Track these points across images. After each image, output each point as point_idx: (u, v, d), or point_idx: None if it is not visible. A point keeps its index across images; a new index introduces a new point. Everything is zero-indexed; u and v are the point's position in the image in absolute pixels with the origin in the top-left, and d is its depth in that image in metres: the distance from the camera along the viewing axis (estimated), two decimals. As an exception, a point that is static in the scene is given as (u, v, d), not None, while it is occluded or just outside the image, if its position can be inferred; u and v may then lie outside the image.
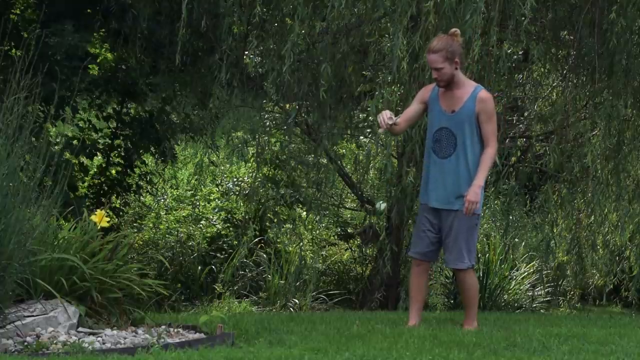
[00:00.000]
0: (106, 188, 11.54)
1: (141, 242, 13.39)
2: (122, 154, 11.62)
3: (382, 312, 8.40)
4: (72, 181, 10.46)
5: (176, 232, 13.91)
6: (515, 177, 10.56)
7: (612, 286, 13.03)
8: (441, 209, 6.15)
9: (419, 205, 6.43)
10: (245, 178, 14.84)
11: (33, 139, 5.14)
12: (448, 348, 4.95)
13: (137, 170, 11.81)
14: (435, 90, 6.22)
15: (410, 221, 9.51)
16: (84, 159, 11.43)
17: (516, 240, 13.09)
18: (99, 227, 5.56)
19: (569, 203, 10.67)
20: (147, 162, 12.07)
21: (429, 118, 6.27)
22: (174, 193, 14.93)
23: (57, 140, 11.09)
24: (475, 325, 6.25)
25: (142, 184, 12.04)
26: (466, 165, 6.07)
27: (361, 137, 12.30)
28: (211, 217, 14.35)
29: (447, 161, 6.11)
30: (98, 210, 5.64)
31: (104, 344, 4.90)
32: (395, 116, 6.07)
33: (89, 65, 10.44)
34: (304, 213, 13.25)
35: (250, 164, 14.17)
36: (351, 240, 15.03)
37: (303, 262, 13.05)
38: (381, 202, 6.29)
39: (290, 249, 13.08)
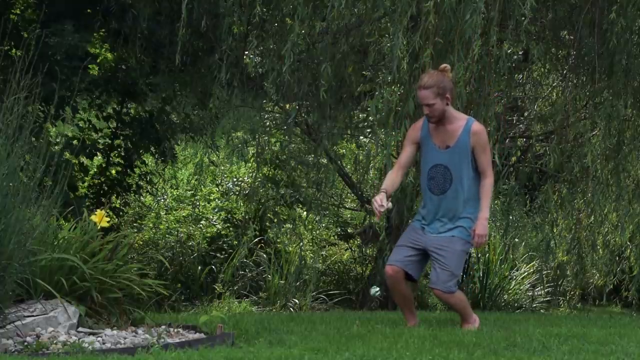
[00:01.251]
0: (106, 188, 11.54)
1: (141, 242, 13.39)
2: (122, 154, 11.62)
3: (382, 312, 8.40)
4: (72, 181, 10.46)
5: (176, 232, 13.91)
6: (515, 177, 10.57)
7: (612, 286, 13.03)
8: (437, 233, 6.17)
9: (410, 225, 6.40)
10: (245, 178, 14.84)
11: (33, 139, 5.14)
12: (448, 348, 4.95)
13: (137, 170, 11.81)
14: (425, 127, 6.20)
15: (410, 221, 9.50)
16: (84, 159, 11.43)
17: (516, 240, 13.10)
18: (99, 227, 5.56)
19: (569, 203, 10.67)
20: (147, 162, 12.07)
21: (423, 155, 6.30)
22: (174, 193, 14.93)
23: (57, 140, 11.09)
24: (475, 320, 6.24)
25: (142, 184, 12.04)
26: (463, 198, 6.11)
27: (361, 137, 12.30)
28: (211, 217, 14.34)
29: (444, 197, 6.13)
30: (98, 210, 5.64)
31: (104, 344, 4.90)
32: (387, 199, 6.00)
33: (89, 65, 10.44)
34: (304, 213, 13.25)
35: (250, 164, 14.17)
36: (351, 240, 15.03)
37: (303, 262, 13.05)
38: (376, 288, 6.33)
39: (290, 249, 13.08)
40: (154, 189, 12.89)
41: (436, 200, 6.15)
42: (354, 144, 12.86)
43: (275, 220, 13.61)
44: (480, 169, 6.11)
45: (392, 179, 6.18)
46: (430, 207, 6.18)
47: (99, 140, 11.57)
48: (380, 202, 5.94)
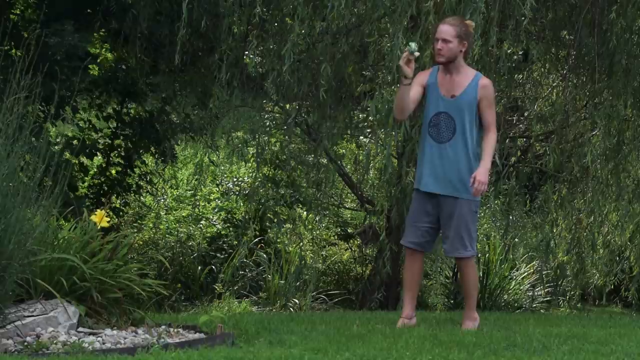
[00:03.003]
0: (106, 188, 11.54)
1: (141, 242, 13.40)
2: (122, 154, 11.62)
3: (382, 312, 8.39)
4: (72, 181, 10.46)
5: (176, 232, 13.91)
6: (516, 177, 10.57)
7: (612, 286, 13.03)
8: (439, 194, 6.06)
9: (414, 193, 6.31)
10: (245, 178, 14.85)
11: (33, 139, 5.13)
12: (448, 348, 4.95)
13: (137, 170, 11.81)
14: (433, 74, 6.13)
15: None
16: (84, 159, 11.43)
17: (516, 240, 13.10)
18: (99, 227, 5.55)
19: (569, 203, 10.68)
20: (147, 162, 12.07)
21: (427, 102, 6.17)
22: (174, 193, 14.94)
23: (57, 140, 11.09)
24: (476, 318, 6.24)
25: (142, 184, 12.04)
26: (466, 151, 6.01)
27: (361, 137, 12.31)
28: (211, 217, 14.36)
29: (446, 145, 6.03)
30: (98, 210, 5.63)
31: (104, 344, 4.90)
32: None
33: (89, 65, 10.44)
34: (304, 213, 13.26)
35: (250, 164, 14.18)
36: (351, 240, 15.04)
37: (303, 262, 13.06)
38: (414, 45, 6.02)
39: (290, 249, 13.09)
40: (154, 189, 12.89)
41: (436, 149, 6.05)
42: (354, 144, 12.87)
43: (275, 220, 13.61)
44: (485, 124, 6.04)
45: (410, 94, 6.05)
46: (431, 157, 6.07)
47: (99, 140, 11.57)
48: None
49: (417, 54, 5.91)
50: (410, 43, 5.97)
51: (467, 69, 6.13)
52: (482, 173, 5.91)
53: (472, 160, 6.02)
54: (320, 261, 14.08)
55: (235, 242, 13.45)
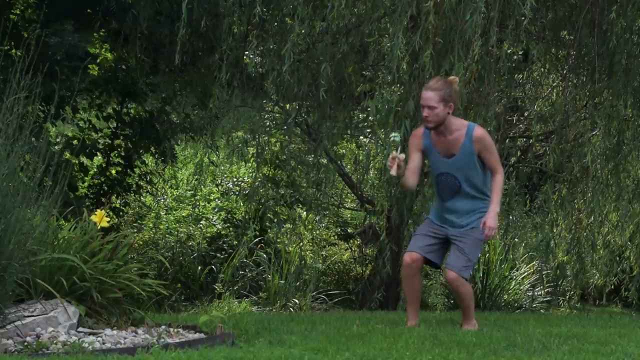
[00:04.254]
0: (106, 188, 11.54)
1: (141, 242, 13.40)
2: (122, 154, 11.62)
3: (382, 312, 8.40)
4: (72, 181, 10.46)
5: (176, 232, 13.91)
6: (516, 177, 10.57)
7: (612, 286, 13.03)
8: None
9: (427, 219, 6.44)
10: (245, 178, 14.85)
11: (33, 139, 5.13)
12: (448, 348, 4.95)
13: (137, 170, 11.81)
14: (427, 136, 6.18)
15: (410, 221, 9.50)
16: (84, 159, 11.42)
17: (516, 240, 13.09)
18: (99, 227, 5.55)
19: (569, 203, 10.68)
20: (147, 162, 12.07)
21: (430, 163, 6.33)
22: (174, 193, 14.94)
23: (57, 140, 11.09)
24: (475, 324, 6.26)
25: (142, 184, 12.04)
26: (473, 197, 6.15)
27: (361, 137, 12.31)
28: (211, 217, 14.35)
29: (455, 200, 6.17)
30: (98, 210, 5.63)
31: (104, 344, 4.90)
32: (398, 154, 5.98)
33: (89, 65, 10.44)
34: (304, 213, 13.26)
35: (250, 164, 14.17)
36: (351, 240, 15.03)
37: (303, 262, 13.05)
38: (396, 133, 6.10)
39: (290, 249, 13.08)
40: (154, 189, 12.89)
41: (448, 204, 6.19)
42: (354, 144, 12.87)
43: (275, 220, 13.61)
44: (490, 168, 6.13)
45: (409, 174, 6.14)
46: (443, 209, 6.23)
47: (99, 140, 11.57)
48: (393, 155, 5.94)
49: (402, 156, 5.98)
50: (392, 133, 6.08)
51: (458, 125, 6.13)
52: (491, 218, 6.03)
53: (479, 201, 6.17)
54: (320, 261, 14.08)
55: (235, 242, 13.45)
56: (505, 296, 13.01)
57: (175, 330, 5.41)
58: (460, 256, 6.09)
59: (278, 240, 13.43)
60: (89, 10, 10.33)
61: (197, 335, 5.33)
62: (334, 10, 8.20)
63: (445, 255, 6.31)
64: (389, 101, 8.23)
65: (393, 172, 5.97)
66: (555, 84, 11.44)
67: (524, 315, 9.18)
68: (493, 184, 6.12)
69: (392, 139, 6.08)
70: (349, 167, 13.03)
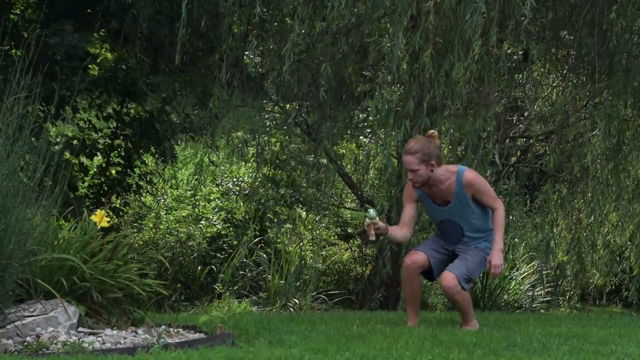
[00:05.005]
0: (106, 188, 11.54)
1: (141, 242, 13.40)
2: (122, 154, 11.62)
3: (382, 312, 8.40)
4: (72, 181, 10.46)
5: (176, 232, 13.91)
6: (516, 177, 10.57)
7: (612, 286, 13.03)
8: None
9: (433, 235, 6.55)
10: (245, 178, 14.85)
11: (33, 139, 5.13)
12: (448, 348, 4.95)
13: (137, 170, 11.81)
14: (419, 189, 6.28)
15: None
16: (84, 159, 11.42)
17: (516, 240, 13.09)
18: (99, 227, 5.55)
19: (569, 203, 10.68)
20: (147, 162, 12.07)
21: (426, 211, 6.44)
22: (174, 193, 14.94)
23: (57, 140, 11.09)
24: (475, 324, 6.26)
25: (142, 184, 12.04)
26: (478, 234, 6.22)
27: (361, 137, 12.30)
28: (211, 217, 14.35)
29: (459, 243, 6.26)
30: (98, 210, 5.63)
31: (104, 344, 4.90)
32: (378, 229, 6.07)
33: (89, 65, 10.44)
34: (304, 213, 13.25)
35: (250, 164, 14.17)
36: (351, 240, 15.03)
37: (303, 262, 13.05)
38: (372, 211, 6.25)
39: (290, 249, 13.08)
40: (154, 189, 12.89)
41: (453, 246, 6.30)
42: (354, 144, 12.86)
43: (275, 220, 13.60)
44: (488, 206, 6.18)
45: (396, 228, 6.27)
46: (450, 246, 6.33)
47: (99, 140, 11.57)
48: (371, 229, 6.06)
49: (377, 219, 6.07)
50: (369, 210, 6.18)
51: (447, 174, 6.16)
52: (496, 257, 6.09)
53: (483, 232, 6.24)
54: (320, 261, 14.08)
55: (235, 242, 13.44)
56: (505, 296, 13.01)
57: (175, 330, 5.41)
58: (463, 265, 6.12)
59: (278, 240, 13.43)
60: (89, 10, 10.32)
61: (197, 335, 5.33)
62: (334, 10, 8.21)
63: (444, 268, 6.32)
64: (389, 101, 8.23)
65: (372, 237, 6.09)
66: (555, 84, 11.44)
67: (524, 315, 9.18)
68: (494, 220, 6.17)
69: (366, 214, 6.22)
70: (349, 167, 13.03)
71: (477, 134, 8.20)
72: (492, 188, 6.32)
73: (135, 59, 10.92)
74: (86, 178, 11.68)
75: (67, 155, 10.68)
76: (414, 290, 6.29)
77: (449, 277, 6.07)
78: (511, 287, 13.15)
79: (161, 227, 14.05)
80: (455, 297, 6.15)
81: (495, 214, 6.16)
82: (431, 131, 6.33)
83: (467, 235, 6.22)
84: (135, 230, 13.31)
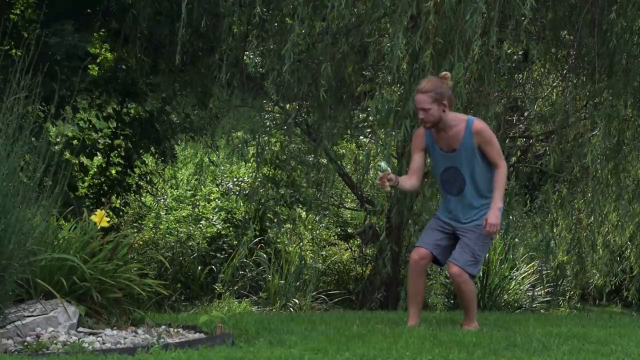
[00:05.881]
0: (106, 188, 11.55)
1: (141, 242, 13.40)
2: (122, 154, 11.62)
3: (382, 312, 8.39)
4: (72, 181, 10.46)
5: (176, 232, 13.91)
6: (516, 177, 10.57)
7: (612, 286, 13.03)
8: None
9: (434, 216, 6.44)
10: (245, 178, 14.85)
11: (33, 139, 5.13)
12: (448, 348, 4.95)
13: (137, 170, 11.81)
14: (428, 135, 6.23)
15: (410, 221, 9.51)
16: (84, 159, 11.43)
17: (516, 240, 13.09)
18: (99, 227, 5.55)
19: (569, 203, 10.67)
20: (147, 162, 12.07)
21: (432, 161, 6.33)
22: (174, 193, 14.94)
23: (57, 140, 11.09)
24: (476, 325, 6.26)
25: (142, 184, 12.04)
26: (479, 192, 6.15)
27: (361, 137, 12.30)
28: (211, 217, 14.35)
29: (461, 196, 6.17)
30: (98, 210, 5.63)
31: (104, 344, 4.90)
32: (392, 180, 6.06)
33: (89, 65, 10.44)
34: (304, 213, 13.25)
35: (250, 164, 14.17)
36: (351, 240, 15.03)
37: (303, 262, 13.05)
38: (384, 163, 6.20)
39: (290, 249, 13.08)
40: (154, 189, 12.89)
41: (457, 199, 6.19)
42: (354, 144, 12.86)
43: (275, 220, 13.61)
44: (491, 162, 6.12)
45: (405, 178, 6.23)
46: (451, 206, 6.23)
47: (99, 140, 11.58)
48: (382, 176, 6.00)
49: (388, 170, 6.06)
50: (380, 163, 6.13)
51: (457, 120, 6.15)
52: (493, 215, 6.04)
53: (486, 196, 6.15)
54: (320, 261, 14.08)
55: (235, 242, 13.45)
56: (505, 296, 13.01)
57: (175, 330, 5.41)
58: (465, 251, 6.08)
59: (278, 240, 13.43)
60: (89, 10, 10.33)
61: (197, 335, 5.33)
62: (334, 10, 8.21)
63: (451, 252, 6.27)
64: (389, 101, 8.23)
65: (387, 188, 6.07)
66: (555, 84, 11.44)
67: (524, 315, 9.18)
68: (495, 177, 6.11)
69: (378, 167, 6.17)
70: (349, 167, 13.03)
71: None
72: (499, 146, 6.24)
73: (135, 59, 10.92)
74: (86, 178, 11.68)
75: (67, 155, 10.68)
76: (419, 288, 6.24)
77: (453, 268, 6.08)
78: (511, 287, 13.15)
79: (161, 227, 14.05)
80: (462, 286, 6.14)
81: (497, 172, 6.10)
82: (444, 72, 6.31)
83: (468, 192, 6.11)
84: (135, 230, 13.31)
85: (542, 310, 12.77)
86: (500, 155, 6.15)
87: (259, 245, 13.14)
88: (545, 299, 13.47)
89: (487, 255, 12.98)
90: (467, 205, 6.16)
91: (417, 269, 6.21)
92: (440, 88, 6.06)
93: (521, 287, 13.28)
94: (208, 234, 13.98)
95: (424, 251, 6.19)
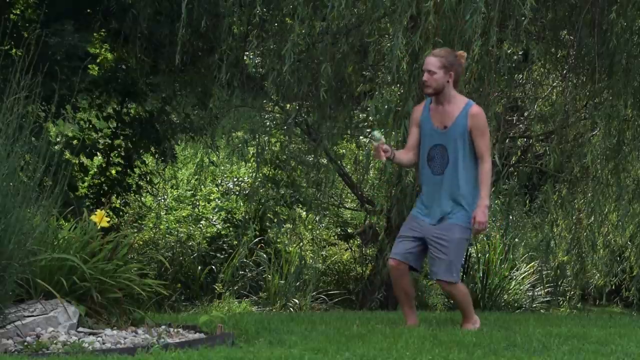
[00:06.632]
0: (106, 188, 11.54)
1: (141, 242, 13.40)
2: (122, 154, 11.62)
3: (382, 312, 8.39)
4: (72, 181, 10.46)
5: (176, 232, 13.91)
6: (516, 177, 10.57)
7: (612, 286, 13.03)
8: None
9: (410, 214, 6.35)
10: (245, 178, 14.85)
11: (33, 139, 5.13)
12: (448, 348, 4.95)
13: (137, 170, 11.81)
14: (426, 108, 6.19)
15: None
16: (84, 159, 11.43)
17: (516, 240, 13.10)
18: (99, 227, 5.55)
19: (569, 203, 10.68)
20: (147, 162, 12.07)
21: (422, 136, 6.22)
22: (174, 193, 14.94)
23: (57, 140, 11.09)
24: (476, 321, 6.24)
25: (142, 184, 12.04)
26: (460, 181, 6.04)
27: (361, 137, 12.30)
28: (211, 217, 14.35)
29: (441, 178, 6.07)
30: (98, 210, 5.63)
31: (104, 344, 4.90)
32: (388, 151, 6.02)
33: (89, 65, 10.44)
34: (304, 213, 13.25)
35: (250, 164, 14.17)
36: (351, 240, 15.03)
37: (303, 262, 13.05)
38: (377, 132, 6.13)
39: (290, 249, 13.08)
40: (154, 189, 12.89)
41: (438, 180, 6.09)
42: (354, 144, 12.86)
43: (275, 220, 13.61)
44: (478, 153, 6.03)
45: (402, 152, 6.19)
46: (430, 189, 6.12)
47: (99, 140, 11.58)
48: (381, 146, 5.95)
49: (383, 139, 6.00)
50: (373, 132, 6.06)
51: (458, 98, 6.13)
52: (480, 213, 5.97)
53: (466, 188, 6.06)
54: (320, 261, 14.08)
55: (235, 242, 13.44)
56: (505, 296, 13.02)
57: (175, 330, 5.41)
58: (441, 262, 6.02)
59: (278, 240, 13.43)
60: (89, 10, 10.33)
61: (197, 335, 5.33)
62: (334, 10, 8.21)
63: (424, 256, 6.22)
64: (389, 101, 8.23)
65: (382, 158, 6.01)
66: (555, 84, 11.44)
67: (524, 315, 9.18)
68: (480, 174, 6.03)
69: (371, 136, 6.09)
70: (349, 167, 13.03)
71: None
72: (490, 142, 6.18)
73: (135, 59, 10.92)
74: (86, 178, 11.68)
75: (67, 155, 10.68)
76: (406, 289, 6.20)
77: (439, 283, 6.11)
78: (511, 287, 13.16)
79: (161, 227, 14.05)
80: (452, 292, 6.14)
81: (482, 167, 6.02)
82: (461, 51, 6.30)
83: (449, 174, 6.01)
84: (135, 230, 13.31)
85: (542, 310, 12.77)
86: (488, 150, 6.06)
87: (259, 245, 13.14)
88: (545, 299, 13.48)
89: (487, 255, 13.00)
90: (445, 192, 6.04)
91: (397, 273, 6.16)
92: (453, 59, 6.04)
93: (521, 287, 13.30)
94: (208, 234, 13.98)
95: (398, 262, 6.14)
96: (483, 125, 6.07)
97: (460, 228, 6.04)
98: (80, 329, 5.12)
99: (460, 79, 6.20)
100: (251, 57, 10.59)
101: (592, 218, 10.67)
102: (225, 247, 13.69)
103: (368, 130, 11.91)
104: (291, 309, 11.83)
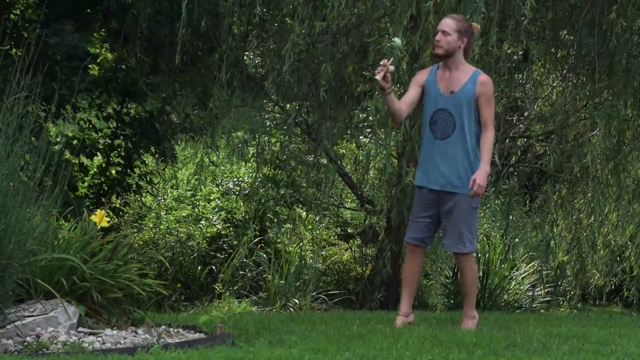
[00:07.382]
0: (106, 188, 11.55)
1: (141, 242, 13.40)
2: (122, 154, 11.62)
3: (382, 312, 8.39)
4: (72, 181, 10.46)
5: (176, 232, 13.91)
6: (516, 177, 10.57)
7: (612, 286, 13.03)
8: (440, 191, 6.08)
9: (415, 189, 6.33)
10: (245, 178, 14.85)
11: (33, 138, 5.13)
12: (448, 348, 4.95)
13: (137, 170, 11.81)
14: (433, 72, 6.16)
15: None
16: (84, 159, 11.43)
17: (516, 240, 13.09)
18: (99, 227, 5.55)
19: (569, 203, 10.68)
20: (147, 162, 12.07)
21: (426, 100, 6.18)
22: (174, 193, 14.94)
23: (57, 139, 11.10)
24: (475, 316, 6.24)
25: (142, 184, 12.04)
26: (464, 148, 6.02)
27: (361, 137, 12.30)
28: (211, 217, 14.35)
29: (445, 142, 6.03)
30: (98, 210, 5.63)
31: (104, 344, 4.90)
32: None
33: (89, 65, 10.44)
34: (304, 213, 13.25)
35: (250, 164, 14.17)
36: (351, 240, 15.03)
37: (303, 262, 13.04)
38: (397, 40, 6.04)
39: (290, 249, 13.08)
40: (154, 189, 12.89)
41: (435, 146, 6.06)
42: (354, 144, 12.86)
43: (275, 220, 13.60)
44: (483, 122, 6.04)
45: (396, 100, 6.08)
46: (432, 154, 6.09)
47: (99, 140, 11.58)
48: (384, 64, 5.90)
49: (392, 67, 5.94)
50: (394, 39, 5.98)
51: (466, 66, 6.13)
52: (481, 176, 5.95)
53: (470, 156, 6.04)
54: (320, 261, 14.07)
55: (235, 242, 13.44)
56: (505, 296, 13.01)
57: (175, 330, 5.41)
58: (453, 233, 6.05)
59: (278, 240, 13.43)
60: (89, 10, 10.33)
61: (197, 335, 5.33)
62: (334, 10, 8.21)
63: (437, 229, 6.27)
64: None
65: (378, 76, 5.90)
66: (555, 84, 11.44)
67: (524, 315, 9.18)
68: (482, 141, 6.02)
69: (391, 44, 6.00)
70: (349, 167, 13.03)
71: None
72: (494, 112, 6.17)
73: (135, 59, 10.92)
74: (86, 178, 11.68)
75: (67, 155, 10.68)
76: (415, 271, 6.24)
77: (455, 254, 6.15)
78: (511, 287, 13.15)
79: (161, 227, 14.05)
80: (464, 266, 6.17)
81: (485, 134, 6.02)
82: (475, 23, 6.31)
83: (453, 141, 5.98)
84: (135, 230, 13.31)
85: (542, 310, 12.77)
86: (492, 119, 6.06)
87: (259, 245, 13.14)
88: (545, 299, 13.47)
89: (487, 255, 13.00)
90: (448, 157, 6.02)
91: (413, 256, 6.22)
92: (468, 27, 6.06)
93: (521, 287, 13.29)
94: (208, 234, 13.98)
95: (415, 246, 6.19)
96: (490, 94, 6.07)
97: (467, 198, 6.02)
98: (80, 329, 5.12)
99: (470, 50, 6.18)
100: (251, 57, 10.59)
101: (592, 218, 10.67)
102: (225, 247, 13.69)
103: (368, 130, 11.92)
104: (291, 309, 11.83)
